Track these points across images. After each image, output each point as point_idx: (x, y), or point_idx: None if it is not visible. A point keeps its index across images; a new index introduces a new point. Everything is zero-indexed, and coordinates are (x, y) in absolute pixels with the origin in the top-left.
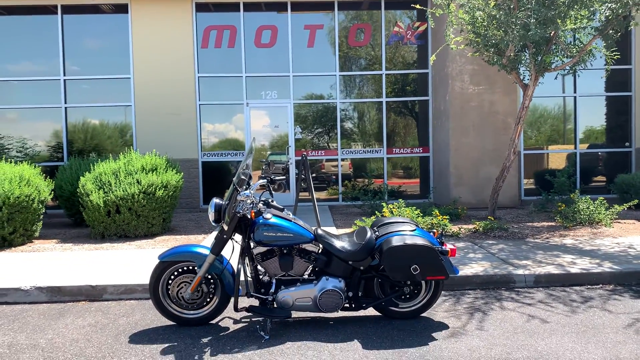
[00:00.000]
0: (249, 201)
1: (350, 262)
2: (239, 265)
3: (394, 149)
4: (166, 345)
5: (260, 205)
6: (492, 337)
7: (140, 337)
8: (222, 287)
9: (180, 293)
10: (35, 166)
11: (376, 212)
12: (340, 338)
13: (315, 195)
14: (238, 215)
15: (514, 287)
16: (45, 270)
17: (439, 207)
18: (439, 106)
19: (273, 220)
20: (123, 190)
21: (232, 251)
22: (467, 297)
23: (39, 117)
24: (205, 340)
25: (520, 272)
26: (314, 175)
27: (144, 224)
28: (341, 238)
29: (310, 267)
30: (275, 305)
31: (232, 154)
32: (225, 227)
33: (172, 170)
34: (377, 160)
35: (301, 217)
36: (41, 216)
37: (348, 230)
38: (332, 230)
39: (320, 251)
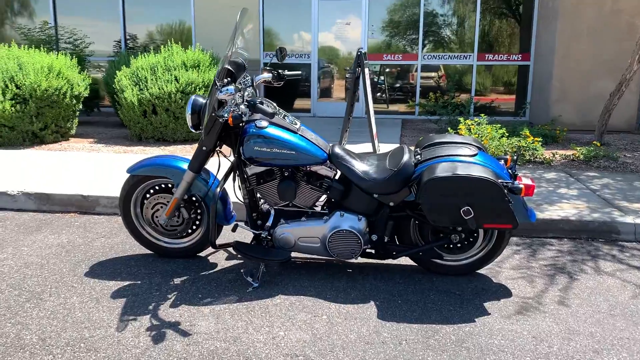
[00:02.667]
0: (234, 101)
1: (375, 195)
2: (219, 190)
3: (487, 55)
4: (126, 283)
5: (242, 107)
6: (575, 319)
7: (103, 269)
8: (209, 213)
9: (156, 217)
10: (72, 58)
11: (449, 128)
12: (351, 297)
13: (390, 107)
14: (220, 120)
15: (618, 239)
16: (49, 172)
17: (533, 127)
18: (546, 3)
19: (269, 130)
20: (159, 88)
21: (218, 168)
22: (547, 250)
23: (97, 9)
24: (177, 281)
25: (629, 219)
26: (387, 83)
27: (183, 128)
28: (367, 160)
29: (324, 198)
30: (272, 244)
31: (297, 56)
32: (204, 137)
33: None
34: (464, 68)
35: (364, 131)
36: (77, 113)
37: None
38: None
39: (335, 177)
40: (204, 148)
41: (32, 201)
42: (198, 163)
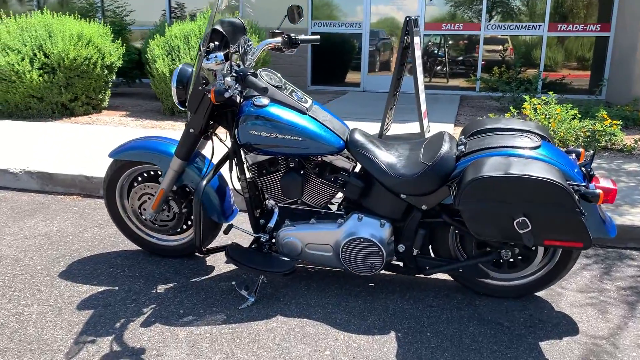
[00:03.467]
0: (223, 71)
1: (403, 196)
2: (205, 182)
3: (560, 25)
4: (101, 289)
5: (228, 80)
6: None
7: (82, 268)
8: (203, 208)
9: (144, 209)
10: (105, 25)
11: (511, 107)
12: (367, 323)
13: (449, 82)
14: (208, 96)
15: None
16: (63, 148)
17: (611, 108)
18: None
19: (270, 110)
20: (192, 59)
21: (212, 153)
22: (627, 267)
23: None
24: (160, 289)
25: None
26: (445, 55)
27: None
28: (395, 150)
29: (341, 195)
30: (275, 249)
31: (347, 25)
32: (191, 116)
33: (255, 37)
34: (533, 40)
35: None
36: (109, 84)
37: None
38: (447, 128)
39: (354, 170)
40: (192, 130)
41: (34, 181)
42: (185, 149)
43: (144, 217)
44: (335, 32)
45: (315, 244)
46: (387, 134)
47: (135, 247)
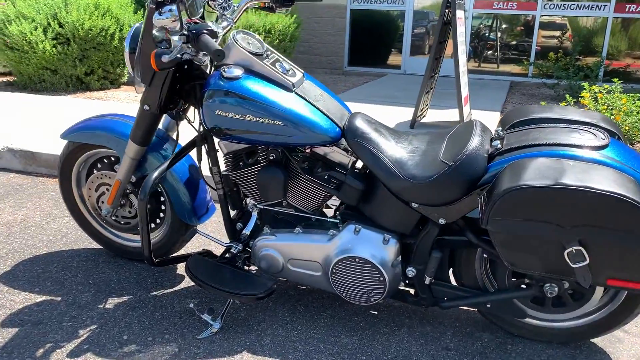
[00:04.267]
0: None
1: (415, 205)
2: (156, 175)
3: (628, 5)
4: (40, 299)
5: (175, 39)
6: None
7: (30, 269)
8: (170, 205)
9: (102, 202)
10: None
11: (567, 96)
12: None
13: (500, 67)
14: (164, 61)
15: None
16: (60, 124)
17: None
18: None
19: (244, 83)
20: None
21: (177, 136)
22: None
23: None
24: (109, 304)
25: None
26: (497, 38)
27: None
28: (408, 142)
29: (337, 200)
30: (250, 263)
31: (392, 2)
32: (137, 89)
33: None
34: (595, 23)
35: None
36: None
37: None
38: (492, 117)
39: (353, 167)
40: (146, 108)
41: (17, 160)
42: (142, 131)
43: (102, 212)
44: (376, 10)
45: (299, 259)
46: (421, 120)
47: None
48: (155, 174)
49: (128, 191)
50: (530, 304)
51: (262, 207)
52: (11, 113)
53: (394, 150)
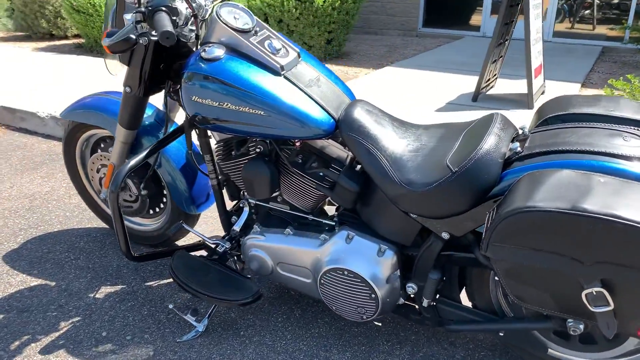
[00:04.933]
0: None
1: (413, 215)
2: (132, 164)
3: None
4: (35, 283)
5: (127, 18)
6: None
7: (37, 247)
8: (169, 192)
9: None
10: None
11: None
12: None
13: (594, 30)
14: (140, 42)
15: None
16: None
17: None
18: None
19: (225, 65)
20: None
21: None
22: None
23: None
24: (100, 294)
25: None
26: None
27: (297, 42)
28: (415, 138)
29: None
30: (241, 263)
31: None
32: (110, 70)
33: None
34: None
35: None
36: None
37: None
38: (571, 89)
39: (348, 164)
40: (128, 90)
41: (59, 128)
42: (128, 115)
43: (100, 196)
44: None
45: (289, 264)
46: (487, 92)
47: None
48: (129, 166)
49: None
50: (554, 337)
51: (255, 201)
52: (68, 78)
53: (394, 148)
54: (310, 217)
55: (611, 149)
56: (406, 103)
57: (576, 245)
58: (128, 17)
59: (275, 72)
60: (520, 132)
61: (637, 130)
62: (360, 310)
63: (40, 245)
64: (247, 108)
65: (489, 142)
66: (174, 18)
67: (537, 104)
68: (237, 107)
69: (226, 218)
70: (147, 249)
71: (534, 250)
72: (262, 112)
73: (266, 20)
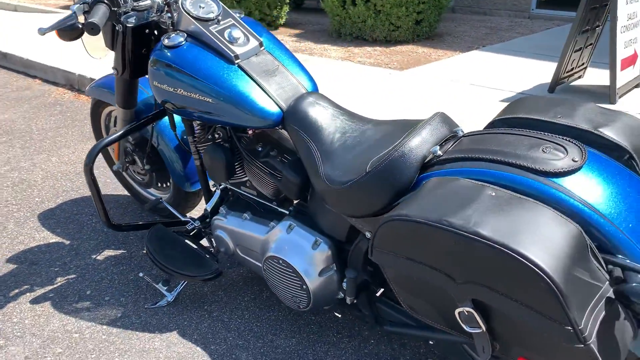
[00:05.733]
0: None
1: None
2: (95, 147)
3: None
4: (54, 240)
5: (74, 7)
6: None
7: (70, 208)
8: (168, 168)
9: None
10: None
11: None
12: None
13: None
14: (116, 25)
15: None
16: None
17: None
18: None
19: (178, 51)
20: None
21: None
22: None
23: None
24: (101, 256)
25: None
26: None
27: (383, 25)
28: (361, 133)
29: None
30: (212, 241)
31: None
32: (94, 54)
33: None
34: None
35: None
36: (287, 0)
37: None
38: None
39: (297, 156)
40: (114, 72)
41: None
42: (121, 95)
43: (113, 168)
44: None
45: (244, 247)
46: (572, 83)
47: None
48: (103, 142)
49: (129, 150)
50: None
51: (226, 185)
52: None
53: (331, 142)
54: (273, 204)
55: (523, 160)
56: (471, 91)
57: (445, 260)
58: (74, 7)
59: (229, 60)
60: (455, 134)
61: (568, 141)
62: (295, 299)
63: (72, 207)
64: (197, 95)
65: (407, 144)
66: (114, 9)
67: (625, 99)
68: (188, 94)
69: (208, 198)
70: (130, 220)
71: (410, 260)
72: (210, 100)
73: (353, 1)
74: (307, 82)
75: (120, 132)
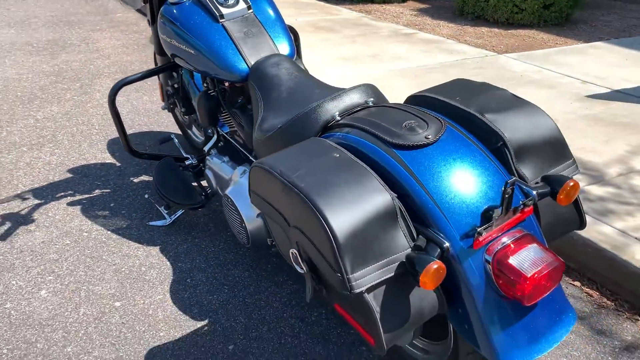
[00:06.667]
0: None
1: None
2: (115, 86)
3: None
4: (108, 162)
5: None
6: None
7: (146, 137)
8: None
9: None
10: None
11: None
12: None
13: None
14: None
15: None
16: None
17: None
18: None
19: (176, 8)
20: None
21: None
22: None
23: None
24: (128, 180)
25: None
26: None
27: (506, 6)
28: (306, 92)
29: None
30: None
31: None
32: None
33: None
34: None
35: None
36: None
37: None
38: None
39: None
40: (149, 22)
41: None
42: (155, 42)
43: (162, 107)
44: None
45: (220, 185)
46: None
47: None
48: (124, 81)
49: (169, 93)
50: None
51: (221, 131)
52: None
53: (276, 99)
54: (251, 154)
55: (382, 131)
56: (555, 82)
57: (281, 205)
58: None
59: (215, 19)
60: (366, 104)
61: (436, 119)
62: (239, 235)
63: (143, 140)
64: (185, 47)
65: (316, 107)
66: None
67: None
68: (178, 44)
69: (207, 141)
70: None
71: (265, 202)
72: (193, 52)
73: None
74: (284, 47)
75: (139, 75)
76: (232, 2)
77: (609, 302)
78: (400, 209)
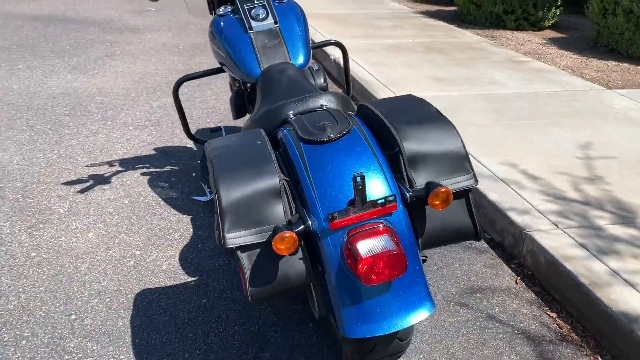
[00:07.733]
0: None
1: None
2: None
3: None
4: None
5: None
6: None
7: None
8: None
9: None
10: None
11: None
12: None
13: None
14: None
15: None
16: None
17: None
18: None
19: (220, 19)
20: None
21: None
22: None
23: None
24: (172, 158)
25: None
26: None
27: None
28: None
29: None
30: None
31: None
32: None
33: None
34: None
35: None
36: (558, 2)
37: None
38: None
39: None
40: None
41: None
42: None
43: None
44: None
45: None
46: None
47: None
48: (186, 77)
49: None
50: None
51: None
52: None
53: (269, 97)
54: None
55: (300, 127)
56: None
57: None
58: None
59: (244, 30)
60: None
61: (347, 122)
62: None
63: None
64: (220, 51)
65: (279, 106)
66: None
67: None
68: (217, 50)
69: None
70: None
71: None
72: (224, 55)
73: (614, 12)
74: (298, 58)
75: (199, 73)
76: (263, 16)
77: (575, 337)
78: (286, 190)
